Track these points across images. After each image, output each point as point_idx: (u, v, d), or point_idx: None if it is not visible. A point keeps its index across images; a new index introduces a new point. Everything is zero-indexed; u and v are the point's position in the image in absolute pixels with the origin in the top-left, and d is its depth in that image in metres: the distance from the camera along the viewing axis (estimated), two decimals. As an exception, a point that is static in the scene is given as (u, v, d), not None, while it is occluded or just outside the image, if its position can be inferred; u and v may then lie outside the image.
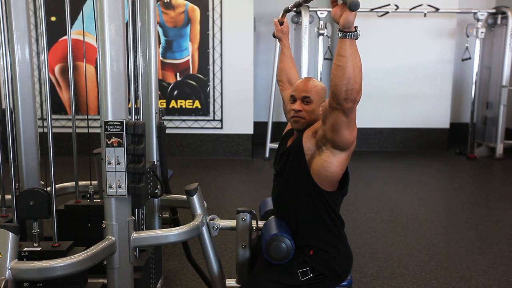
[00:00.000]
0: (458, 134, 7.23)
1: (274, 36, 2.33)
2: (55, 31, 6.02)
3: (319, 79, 6.29)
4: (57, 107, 6.26)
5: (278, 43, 6.23)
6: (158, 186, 2.35)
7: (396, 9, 6.30)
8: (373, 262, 3.07)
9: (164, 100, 6.29)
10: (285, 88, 2.27)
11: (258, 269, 1.88)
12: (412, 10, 6.36)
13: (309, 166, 1.78)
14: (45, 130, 1.76)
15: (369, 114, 6.82)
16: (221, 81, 6.25)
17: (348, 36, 1.47)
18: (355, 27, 1.47)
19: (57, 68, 6.23)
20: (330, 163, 1.71)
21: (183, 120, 6.35)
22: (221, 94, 6.28)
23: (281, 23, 2.29)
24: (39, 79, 5.84)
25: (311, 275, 1.78)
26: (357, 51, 1.49)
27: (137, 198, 1.82)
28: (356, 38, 1.48)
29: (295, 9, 2.26)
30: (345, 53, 1.48)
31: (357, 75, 1.49)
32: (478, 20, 6.32)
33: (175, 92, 6.31)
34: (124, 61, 1.63)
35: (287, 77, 2.26)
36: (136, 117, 2.21)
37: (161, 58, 6.21)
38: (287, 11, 2.30)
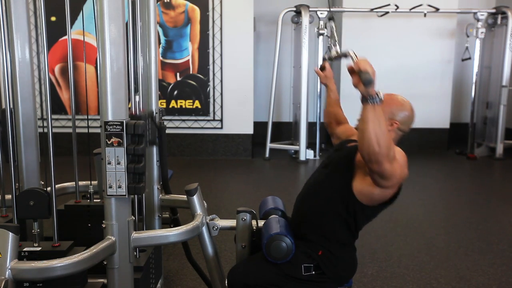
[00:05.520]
0: (458, 134, 7.23)
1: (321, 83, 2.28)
2: (55, 31, 6.03)
3: (318, 79, 6.27)
4: (57, 107, 6.26)
5: (278, 43, 6.33)
6: (159, 187, 2.36)
7: (396, 9, 6.30)
8: (373, 262, 3.06)
9: (164, 100, 6.30)
10: (334, 127, 2.26)
11: (260, 254, 1.87)
12: (412, 10, 6.36)
13: (353, 177, 1.76)
14: (45, 130, 1.76)
15: (369, 114, 6.80)
16: (221, 81, 6.25)
17: (370, 101, 1.49)
18: (377, 92, 1.48)
19: (57, 68, 6.23)
20: (372, 193, 1.71)
21: (183, 120, 6.35)
22: (221, 94, 6.28)
23: (323, 69, 2.24)
24: (39, 79, 5.84)
25: (313, 272, 1.78)
26: (380, 115, 1.50)
27: (138, 190, 1.79)
28: (379, 103, 1.49)
29: (334, 59, 2.10)
30: (365, 118, 1.51)
31: (380, 139, 1.49)
32: (478, 20, 6.32)
33: (175, 92, 6.31)
34: (124, 61, 1.63)
35: (335, 119, 2.26)
36: (136, 117, 2.20)
37: (161, 58, 6.21)
38: (327, 59, 2.25)
